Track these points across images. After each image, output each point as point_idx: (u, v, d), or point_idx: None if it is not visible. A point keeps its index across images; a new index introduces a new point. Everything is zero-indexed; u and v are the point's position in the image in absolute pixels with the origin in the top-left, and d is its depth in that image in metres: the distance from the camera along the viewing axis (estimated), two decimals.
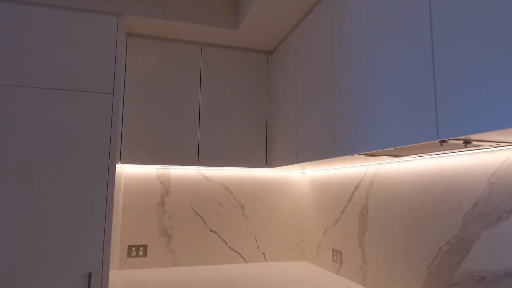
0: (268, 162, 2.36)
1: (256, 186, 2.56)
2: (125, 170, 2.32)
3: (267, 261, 2.53)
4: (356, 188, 2.02)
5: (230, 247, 2.46)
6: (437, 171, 1.46)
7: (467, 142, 1.06)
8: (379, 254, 1.80)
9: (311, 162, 1.85)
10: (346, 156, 1.54)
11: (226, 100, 2.33)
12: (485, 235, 1.25)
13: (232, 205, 2.51)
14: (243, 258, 2.48)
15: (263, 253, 2.53)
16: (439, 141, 1.05)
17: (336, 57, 1.62)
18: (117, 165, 1.83)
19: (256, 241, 2.52)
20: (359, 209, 1.98)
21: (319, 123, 1.75)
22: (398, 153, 1.41)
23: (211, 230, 2.45)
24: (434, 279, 1.45)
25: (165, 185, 2.39)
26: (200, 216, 2.44)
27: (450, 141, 1.05)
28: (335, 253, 2.20)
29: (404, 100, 1.17)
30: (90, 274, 1.65)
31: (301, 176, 2.68)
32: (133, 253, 2.28)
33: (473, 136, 0.97)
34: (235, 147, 2.28)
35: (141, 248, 2.29)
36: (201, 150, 2.23)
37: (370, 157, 1.57)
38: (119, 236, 2.23)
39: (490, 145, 1.15)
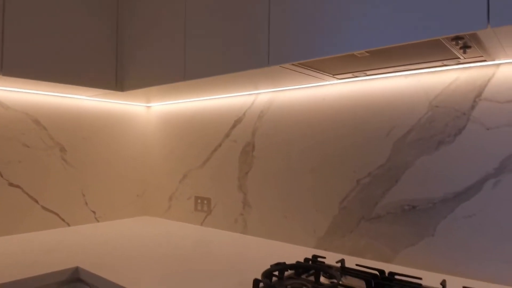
0: (119, 83, 1.66)
1: (83, 121, 1.83)
2: None
3: (98, 221, 1.89)
4: (237, 122, 1.68)
5: (43, 207, 1.68)
6: (361, 97, 1.31)
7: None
8: (268, 197, 1.55)
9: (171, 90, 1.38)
10: (237, 80, 1.17)
11: None
12: (419, 162, 1.18)
13: (46, 146, 1.70)
14: (63, 220, 1.75)
15: (93, 212, 1.87)
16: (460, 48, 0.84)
17: None
18: None
19: (84, 196, 1.83)
20: (240, 147, 1.66)
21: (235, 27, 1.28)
22: (319, 68, 1.15)
23: (11, 184, 1.59)
24: (347, 214, 1.33)
25: None
26: None
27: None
28: (199, 201, 1.82)
29: None
30: None
31: (146, 111, 2.10)
32: None
33: None
34: (65, 56, 1.49)
35: None
36: (6, 53, 1.34)
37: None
38: None
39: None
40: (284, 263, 1.08)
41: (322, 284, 0.96)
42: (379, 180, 1.26)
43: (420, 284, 0.95)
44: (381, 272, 1.04)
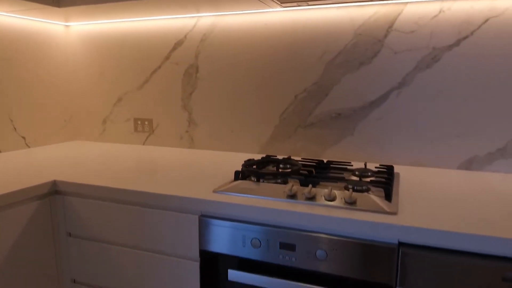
0: None
1: (2, 39, 1.66)
2: None
3: (29, 147, 1.82)
4: (178, 45, 1.76)
5: None
6: (300, 24, 1.54)
7: None
8: (214, 115, 1.74)
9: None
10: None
11: None
12: (345, 79, 1.51)
13: None
14: None
15: (23, 137, 1.79)
16: None
17: None
18: None
19: (11, 121, 1.73)
20: (183, 69, 1.77)
21: None
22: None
23: None
24: (286, 124, 1.62)
25: None
26: None
27: None
28: (139, 122, 1.90)
29: None
30: None
31: (65, 31, 1.97)
32: None
33: None
34: None
35: None
36: None
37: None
38: None
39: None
40: (253, 159, 1.34)
41: (295, 164, 1.25)
42: (313, 95, 1.56)
43: (352, 165, 1.32)
44: (321, 161, 1.38)
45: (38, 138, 1.86)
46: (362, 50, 1.47)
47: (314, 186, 1.11)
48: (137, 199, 1.13)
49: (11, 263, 1.13)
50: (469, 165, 1.39)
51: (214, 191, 1.10)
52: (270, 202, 1.01)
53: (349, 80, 1.50)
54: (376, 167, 1.32)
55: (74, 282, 1.32)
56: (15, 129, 1.75)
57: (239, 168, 1.40)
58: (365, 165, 1.33)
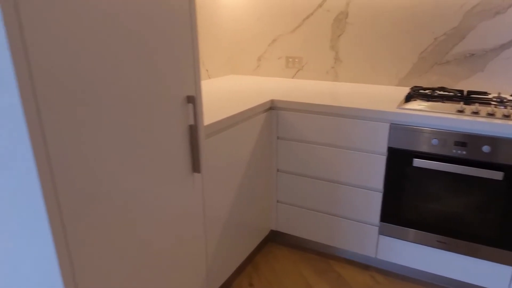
0: None
1: None
2: None
3: (210, 78, 2.36)
4: None
5: None
6: None
7: None
8: (358, 53, 2.17)
9: None
10: None
11: None
12: (480, 25, 1.87)
13: None
14: None
15: (206, 70, 2.32)
16: None
17: None
18: None
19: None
20: (334, 15, 2.18)
21: None
22: None
23: None
24: (424, 61, 2.03)
25: None
26: None
27: None
28: (290, 59, 2.37)
29: None
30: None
31: None
32: None
33: None
34: None
35: None
36: None
37: None
38: None
39: None
40: (420, 86, 1.79)
41: (449, 91, 1.69)
42: (451, 38, 1.94)
43: (489, 93, 1.74)
44: (462, 91, 1.81)
45: (212, 71, 2.39)
46: (499, 0, 1.81)
47: (469, 105, 1.56)
48: (335, 111, 1.64)
49: (252, 155, 1.70)
50: None
51: (398, 107, 1.58)
52: (444, 114, 1.48)
53: (484, 26, 1.86)
54: (510, 95, 1.74)
55: (277, 171, 1.89)
56: (203, 63, 2.28)
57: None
58: (499, 94, 1.75)
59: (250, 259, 1.92)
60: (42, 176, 0.78)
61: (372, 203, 1.71)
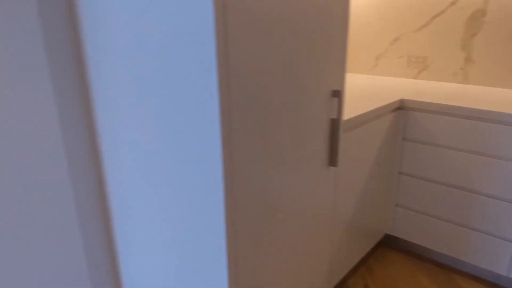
0: None
1: None
2: None
3: None
4: None
5: None
6: None
7: None
8: (495, 54, 1.99)
9: None
10: None
11: None
12: None
13: None
14: None
15: None
16: None
17: None
18: None
19: None
20: (467, 13, 2.03)
21: None
22: None
23: None
24: None
25: None
26: None
27: None
28: (413, 59, 2.27)
29: None
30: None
31: None
32: None
33: None
34: None
35: None
36: None
37: None
38: None
39: None
40: None
41: None
42: None
43: None
44: None
45: None
46: None
47: None
48: (477, 115, 1.52)
49: (377, 155, 1.66)
50: None
51: None
52: None
53: None
54: None
55: (399, 173, 1.83)
56: None
57: None
58: None
59: (363, 261, 1.89)
60: (226, 174, 0.86)
61: (511, 217, 1.56)
